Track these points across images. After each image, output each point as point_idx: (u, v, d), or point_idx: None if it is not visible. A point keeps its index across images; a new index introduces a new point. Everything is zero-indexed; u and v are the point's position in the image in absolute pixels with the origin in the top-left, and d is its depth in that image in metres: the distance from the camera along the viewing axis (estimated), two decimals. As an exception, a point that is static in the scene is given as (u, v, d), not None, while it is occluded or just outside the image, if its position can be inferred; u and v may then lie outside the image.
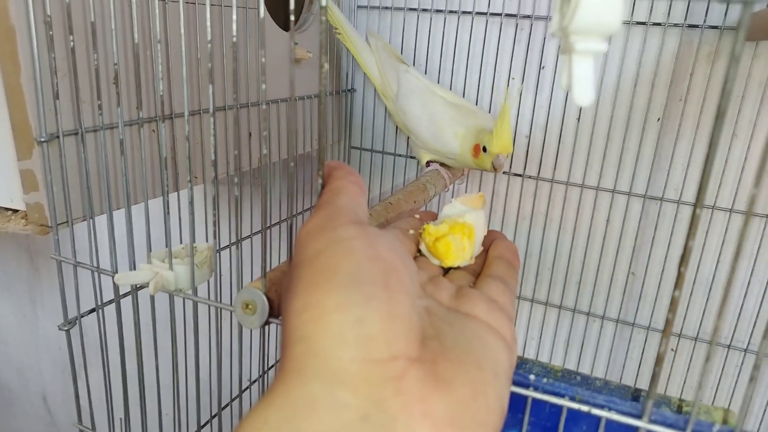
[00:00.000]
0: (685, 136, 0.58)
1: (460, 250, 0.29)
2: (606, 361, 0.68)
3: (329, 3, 0.61)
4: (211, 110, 0.30)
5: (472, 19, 0.63)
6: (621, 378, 0.68)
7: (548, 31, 0.57)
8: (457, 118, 0.57)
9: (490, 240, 0.32)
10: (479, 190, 0.69)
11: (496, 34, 0.63)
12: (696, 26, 0.55)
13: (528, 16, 0.61)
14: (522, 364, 0.34)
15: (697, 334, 0.63)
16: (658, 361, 0.24)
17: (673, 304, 0.23)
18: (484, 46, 0.63)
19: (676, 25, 0.56)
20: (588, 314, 0.67)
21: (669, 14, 0.56)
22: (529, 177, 0.66)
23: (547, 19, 0.60)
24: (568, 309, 0.68)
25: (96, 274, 0.39)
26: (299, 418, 0.17)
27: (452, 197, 0.67)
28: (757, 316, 0.60)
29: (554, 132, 0.63)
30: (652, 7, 0.56)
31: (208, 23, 0.29)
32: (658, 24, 0.56)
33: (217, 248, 0.50)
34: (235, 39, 0.28)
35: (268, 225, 0.61)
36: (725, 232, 0.60)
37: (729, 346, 0.62)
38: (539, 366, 0.34)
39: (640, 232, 0.63)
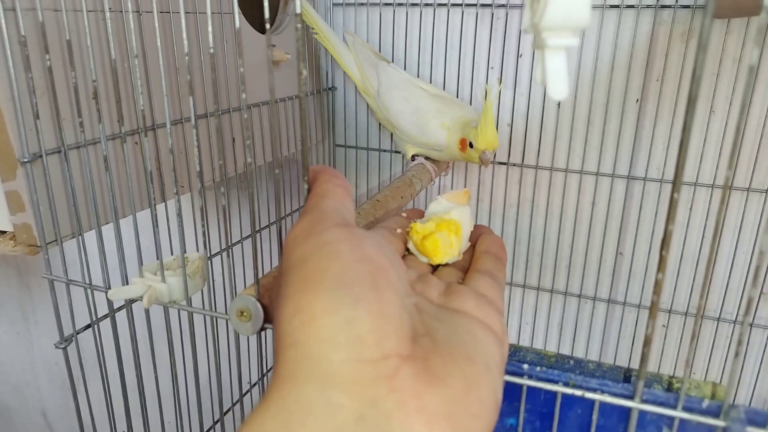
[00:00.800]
0: (664, 115, 0.59)
1: (448, 247, 0.29)
2: (600, 342, 0.69)
3: (304, 3, 0.61)
4: (192, 122, 0.30)
5: (448, 10, 0.63)
6: (615, 358, 0.69)
7: (521, 26, 0.57)
8: (442, 109, 0.57)
9: (476, 235, 0.32)
10: (464, 181, 0.69)
11: (473, 24, 0.63)
12: (669, 6, 0.56)
13: (503, 5, 0.61)
14: (516, 351, 0.35)
15: (687, 309, 0.64)
16: (646, 342, 0.24)
17: (657, 286, 0.23)
18: (462, 38, 0.64)
19: (648, 6, 0.56)
20: (579, 296, 0.68)
21: (641, -4, 0.56)
22: (514, 165, 0.66)
23: (521, 7, 0.60)
24: (559, 292, 0.69)
25: (89, 290, 0.39)
26: (295, 423, 0.17)
27: (438, 193, 0.68)
28: (743, 288, 0.62)
29: (536, 119, 0.64)
30: (624, -10, 0.56)
31: (184, 35, 0.30)
32: (632, 6, 0.57)
33: (209, 256, 0.50)
34: (212, 50, 0.28)
35: (258, 229, 0.62)
36: (708, 207, 0.61)
37: (718, 319, 0.63)
38: (533, 353, 0.35)
39: (625, 213, 0.64)
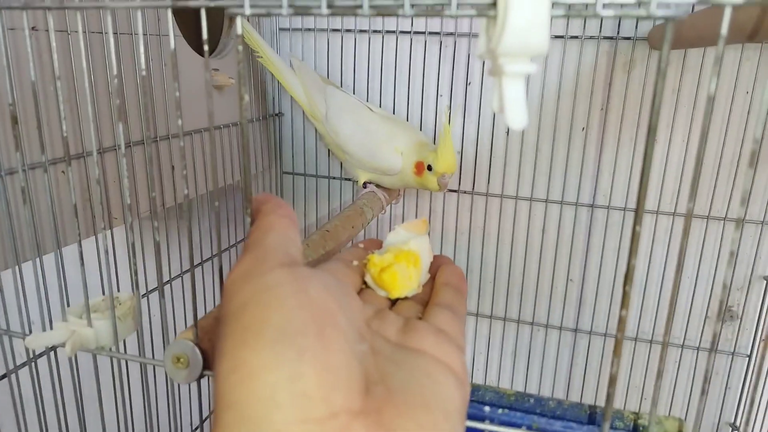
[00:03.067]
0: (609, 143, 0.60)
1: (407, 280, 0.28)
2: (552, 370, 0.69)
3: (247, 27, 0.59)
4: (122, 150, 0.28)
5: (397, 38, 0.63)
6: (568, 386, 0.69)
7: (475, 53, 0.57)
8: (395, 132, 0.56)
9: (436, 266, 0.31)
10: (416, 208, 0.68)
11: (422, 52, 0.63)
12: (611, 38, 0.57)
13: (451, 33, 0.61)
14: (475, 390, 0.33)
15: (643, 336, 0.65)
16: (611, 381, 0.23)
17: (621, 323, 0.22)
18: (411, 65, 0.63)
19: (591, 37, 0.58)
20: (532, 324, 0.67)
21: (584, 27, 0.58)
22: (464, 192, 0.66)
23: (470, 35, 0.61)
24: (512, 320, 0.68)
25: (5, 337, 0.35)
26: None
27: (393, 223, 0.67)
28: (705, 315, 0.63)
29: (485, 146, 0.64)
30: (568, 21, 0.58)
31: (113, 55, 0.27)
32: (576, 37, 0.58)
33: (144, 293, 0.46)
34: (143, 72, 0.26)
35: (196, 264, 0.58)
36: (653, 233, 0.62)
37: (682, 346, 0.63)
38: (492, 391, 0.33)
39: (575, 239, 0.64)
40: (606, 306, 0.65)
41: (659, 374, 0.23)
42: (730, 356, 0.62)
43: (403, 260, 0.28)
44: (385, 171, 0.56)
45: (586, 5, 0.19)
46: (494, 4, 0.19)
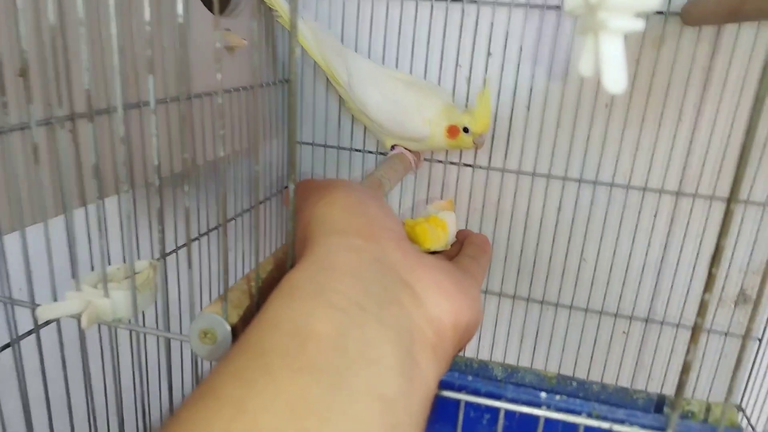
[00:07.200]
0: (633, 121, 0.58)
1: (436, 237, 0.33)
2: (561, 347, 0.68)
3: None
4: (152, 106, 0.25)
5: (417, 3, 0.60)
6: (575, 364, 0.68)
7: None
8: (422, 101, 0.56)
9: (463, 236, 0.35)
10: (428, 183, 0.66)
11: (442, 20, 0.60)
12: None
13: (474, 2, 0.58)
14: (514, 372, 0.32)
15: (663, 319, 0.64)
16: (685, 369, 0.22)
17: (702, 308, 0.21)
18: (430, 34, 0.61)
19: (621, 9, 0.55)
20: (542, 302, 0.66)
21: None
22: (480, 167, 0.64)
23: (493, 4, 0.58)
24: (521, 299, 0.67)
25: (9, 306, 0.33)
26: (326, 261, 0.21)
27: (416, 207, 0.66)
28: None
29: (504, 121, 0.62)
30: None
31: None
32: (605, 9, 0.56)
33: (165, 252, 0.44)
34: (181, 19, 0.23)
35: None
36: (672, 214, 0.61)
37: (709, 331, 0.63)
38: (532, 374, 0.32)
39: (591, 218, 0.63)
40: (618, 287, 0.64)
41: (737, 364, 0.22)
42: (741, 339, 0.62)
43: (433, 223, 0.34)
44: (413, 139, 0.57)
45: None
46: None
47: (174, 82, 0.44)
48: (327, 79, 0.62)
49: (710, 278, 0.20)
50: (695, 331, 0.21)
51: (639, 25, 0.18)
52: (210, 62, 0.50)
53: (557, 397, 0.24)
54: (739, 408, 0.62)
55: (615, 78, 0.18)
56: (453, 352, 0.23)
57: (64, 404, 0.36)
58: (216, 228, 0.55)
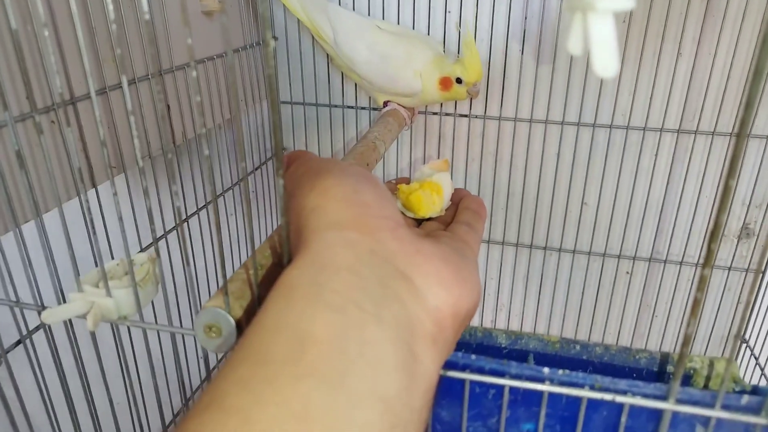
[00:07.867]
0: (630, 58, 0.56)
1: (431, 203, 0.33)
2: (564, 293, 0.69)
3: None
4: (124, 87, 0.24)
5: (399, -52, 0.57)
6: (580, 308, 0.69)
7: None
8: (412, 53, 0.54)
9: (458, 197, 0.35)
10: (424, 136, 0.65)
11: (427, -37, 0.57)
12: (637, -60, 0.52)
13: (460, -59, 0.55)
14: (518, 338, 0.32)
15: (666, 257, 0.65)
16: (685, 342, 0.22)
17: (702, 282, 0.21)
18: (415, -22, 0.58)
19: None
20: (545, 249, 0.67)
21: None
22: (476, 117, 0.62)
23: (480, -58, 0.55)
24: (524, 246, 0.67)
25: (16, 309, 0.33)
26: (323, 256, 0.21)
27: (414, 166, 0.66)
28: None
29: (497, 67, 0.60)
30: None
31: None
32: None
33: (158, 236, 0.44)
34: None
35: (219, 194, 0.55)
36: (673, 151, 0.60)
37: (696, 265, 0.64)
38: (536, 339, 0.32)
39: (591, 162, 0.62)
40: (621, 229, 0.64)
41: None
42: (744, 273, 0.63)
43: (427, 188, 0.33)
44: (405, 94, 0.55)
45: None
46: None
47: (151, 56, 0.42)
48: (313, 36, 0.60)
49: (716, 227, 0.20)
50: (695, 305, 0.21)
51: (629, 3, 0.16)
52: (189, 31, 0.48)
53: (560, 371, 0.24)
54: (743, 340, 0.63)
55: (605, 62, 0.17)
56: (454, 339, 0.23)
57: (82, 399, 0.37)
58: (205, 206, 0.54)
